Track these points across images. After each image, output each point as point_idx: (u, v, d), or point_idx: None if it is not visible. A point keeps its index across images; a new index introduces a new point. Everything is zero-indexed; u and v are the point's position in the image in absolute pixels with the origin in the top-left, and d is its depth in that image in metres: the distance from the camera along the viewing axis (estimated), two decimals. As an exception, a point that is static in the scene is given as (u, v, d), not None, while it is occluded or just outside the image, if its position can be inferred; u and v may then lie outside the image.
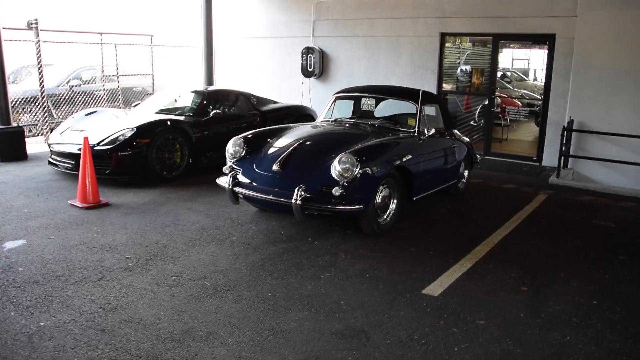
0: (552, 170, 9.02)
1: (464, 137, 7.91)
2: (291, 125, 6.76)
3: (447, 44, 10.78)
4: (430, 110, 7.04)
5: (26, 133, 10.43)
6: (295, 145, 5.72)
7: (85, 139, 6.51)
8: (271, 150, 5.80)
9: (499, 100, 11.74)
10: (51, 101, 10.88)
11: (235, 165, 5.81)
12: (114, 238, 5.37)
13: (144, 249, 5.08)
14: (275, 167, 5.46)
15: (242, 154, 5.86)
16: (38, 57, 9.76)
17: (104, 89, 11.73)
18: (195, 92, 9.02)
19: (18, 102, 10.45)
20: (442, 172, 6.80)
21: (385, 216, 5.69)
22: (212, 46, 12.16)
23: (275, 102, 10.37)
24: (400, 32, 10.88)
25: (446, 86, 11.39)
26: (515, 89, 14.84)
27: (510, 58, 17.81)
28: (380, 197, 5.51)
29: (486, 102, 10.35)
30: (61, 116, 10.48)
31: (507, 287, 4.52)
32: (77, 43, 10.95)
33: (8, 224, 5.72)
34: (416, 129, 6.30)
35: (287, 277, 4.52)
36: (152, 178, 7.52)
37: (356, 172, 5.06)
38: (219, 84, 13.82)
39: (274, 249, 5.19)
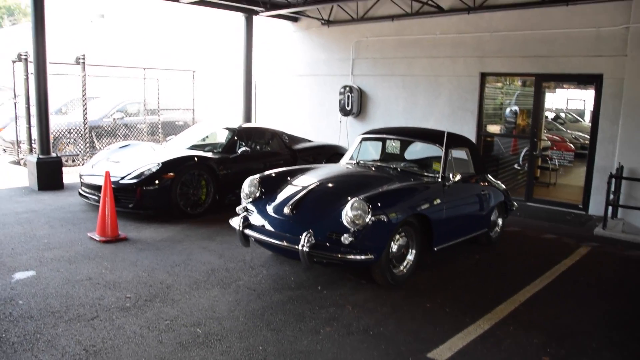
0: (598, 220, 8.39)
1: (499, 183, 7.48)
2: (312, 166, 6.59)
3: (497, 84, 10.41)
4: (459, 154, 6.70)
5: (69, 163, 10.81)
6: (310, 187, 5.51)
7: (107, 173, 6.56)
8: (286, 192, 5.61)
9: (548, 142, 11.22)
10: (95, 132, 11.20)
11: (249, 205, 5.67)
12: (121, 275, 5.29)
13: (146, 289, 4.96)
14: (286, 210, 5.26)
15: (257, 195, 5.71)
16: (83, 91, 10.11)
17: (145, 122, 11.99)
18: (226, 128, 9.03)
19: (63, 133, 10.81)
20: (469, 220, 6.40)
21: (401, 267, 5.35)
22: (251, 84, 12.32)
23: (308, 141, 10.26)
24: (439, 71, 10.63)
25: (493, 128, 10.98)
26: (569, 131, 14.21)
27: (564, 98, 17.20)
28: (396, 247, 5.19)
29: (530, 146, 9.84)
30: (102, 147, 10.74)
31: (525, 355, 4.08)
32: (121, 77, 11.29)
33: (25, 254, 5.78)
34: (440, 174, 5.97)
35: (284, 329, 4.26)
36: (176, 213, 7.50)
37: (367, 219, 4.79)
38: (255, 121, 13.97)
39: (279, 296, 4.95)
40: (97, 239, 6.38)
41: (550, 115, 14.59)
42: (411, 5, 10.47)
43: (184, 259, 5.86)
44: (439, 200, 5.70)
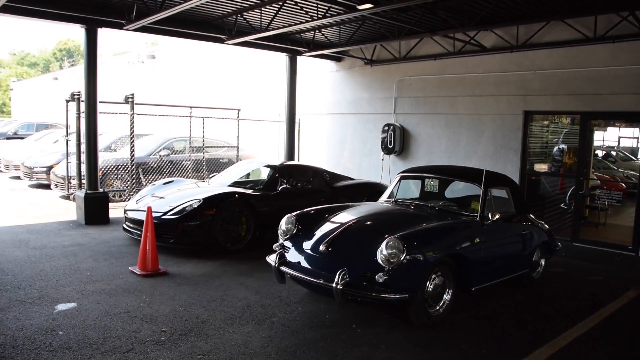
0: (650, 264, 7.99)
1: (542, 223, 7.27)
2: (350, 204, 6.58)
3: (544, 122, 10.23)
4: (499, 193, 6.58)
5: (116, 198, 11.19)
6: (346, 225, 5.51)
7: (149, 208, 6.75)
8: (322, 229, 5.61)
9: (598, 181, 10.84)
10: (141, 169, 11.59)
11: (286, 242, 5.70)
12: (158, 309, 5.37)
13: (182, 323, 5.01)
14: (322, 247, 5.26)
15: (294, 232, 5.74)
16: (131, 128, 10.54)
17: (189, 160, 12.34)
18: (267, 166, 9.19)
19: (111, 169, 11.24)
20: (509, 261, 6.22)
21: (437, 307, 5.21)
22: (295, 122, 12.53)
23: (350, 179, 10.30)
24: (482, 110, 10.54)
25: (539, 167, 10.72)
26: (620, 170, 13.70)
27: (616, 136, 16.69)
28: (432, 286, 5.08)
29: (576, 185, 9.54)
30: (148, 183, 11.09)
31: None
32: (168, 116, 11.71)
33: (68, 286, 5.96)
34: (479, 213, 5.85)
35: (315, 368, 4.20)
36: (215, 249, 7.60)
37: (402, 258, 4.73)
38: (298, 159, 14.12)
39: (312, 334, 4.90)
40: (138, 272, 6.53)
41: (601, 154, 14.15)
42: (454, 44, 10.51)
43: (221, 295, 5.90)
44: (476, 240, 5.58)
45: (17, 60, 63.80)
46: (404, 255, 4.73)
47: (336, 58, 13.08)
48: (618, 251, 8.91)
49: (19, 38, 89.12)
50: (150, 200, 8.17)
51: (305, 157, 14.45)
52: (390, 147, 11.97)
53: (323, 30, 10.54)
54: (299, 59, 12.41)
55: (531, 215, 7.16)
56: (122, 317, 5.11)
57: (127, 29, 9.03)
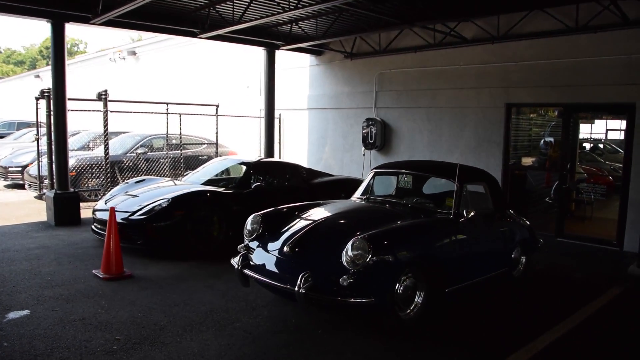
0: (633, 258, 7.76)
1: (523, 219, 7.05)
2: (321, 202, 6.31)
3: (531, 115, 9.99)
4: (476, 188, 6.34)
5: (92, 197, 10.88)
6: (313, 225, 5.25)
7: (111, 209, 6.47)
8: (289, 229, 5.35)
9: (585, 175, 10.63)
10: (117, 167, 11.28)
11: (251, 243, 5.44)
12: (116, 315, 5.11)
13: (139, 330, 4.75)
14: (286, 248, 5.00)
15: (259, 232, 5.48)
16: (105, 126, 10.20)
17: (167, 157, 12.03)
18: (242, 163, 8.91)
19: (85, 168, 10.93)
20: (486, 260, 5.98)
21: (408, 310, 4.95)
22: (273, 118, 12.27)
23: (328, 175, 10.05)
24: (463, 103, 10.31)
25: (526, 160, 10.50)
26: (607, 162, 13.51)
27: (603, 128, 16.50)
28: (402, 289, 4.83)
29: (559, 178, 9.35)
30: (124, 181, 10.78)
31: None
32: (144, 113, 11.40)
33: (24, 292, 5.69)
34: (453, 209, 5.60)
35: (272, 379, 3.95)
36: (187, 250, 7.32)
37: (368, 259, 4.48)
38: (281, 156, 13.86)
39: (275, 340, 4.65)
40: (101, 276, 6.26)
41: (588, 146, 13.96)
42: (434, 36, 10.26)
43: (185, 299, 5.64)
44: (450, 239, 5.36)
45: (2, 58, 63.03)
46: (370, 256, 4.48)
47: (316, 52, 12.80)
48: (603, 246, 8.72)
49: (5, 36, 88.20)
50: (120, 200, 7.88)
51: (288, 153, 14.19)
52: (371, 142, 11.72)
53: (300, 23, 10.26)
54: (279, 53, 12.12)
55: (511, 211, 6.95)
56: (76, 325, 4.84)
57: (93, 23, 8.71)
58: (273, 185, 8.78)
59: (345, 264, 4.55)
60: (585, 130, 12.72)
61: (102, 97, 10.08)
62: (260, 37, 10.86)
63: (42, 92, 9.74)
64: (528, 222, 7.07)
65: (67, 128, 8.98)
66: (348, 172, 12.12)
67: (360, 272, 4.48)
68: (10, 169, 13.12)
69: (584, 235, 9.17)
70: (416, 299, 5.03)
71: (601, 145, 15.05)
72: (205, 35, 9.70)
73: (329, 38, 10.80)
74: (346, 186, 9.54)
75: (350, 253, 4.54)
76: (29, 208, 10.58)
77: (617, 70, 8.32)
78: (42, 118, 10.28)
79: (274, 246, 5.18)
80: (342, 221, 5.49)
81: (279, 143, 14.06)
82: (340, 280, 4.45)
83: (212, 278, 6.40)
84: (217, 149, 12.75)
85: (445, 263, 5.20)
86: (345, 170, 12.38)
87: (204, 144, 13.24)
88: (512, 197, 9.88)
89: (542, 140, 10.56)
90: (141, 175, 10.71)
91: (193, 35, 9.90)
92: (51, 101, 9.31)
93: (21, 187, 13.02)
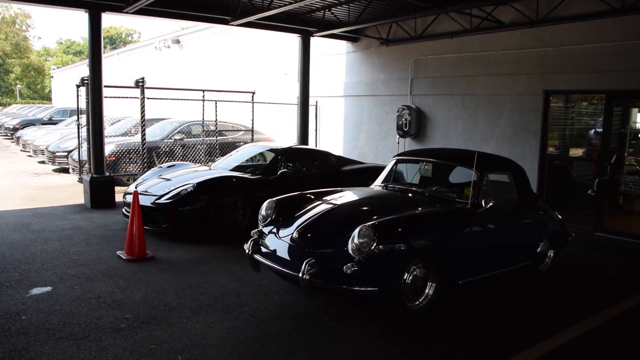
0: (678, 257, 7.34)
1: (553, 211, 6.76)
2: (338, 189, 6.25)
3: (583, 103, 9.51)
4: (500, 178, 6.11)
5: (131, 182, 11.21)
6: (324, 211, 5.22)
7: (135, 193, 6.64)
8: (300, 216, 5.33)
9: (637, 167, 10.04)
10: (155, 153, 11.57)
11: (264, 229, 5.46)
12: (130, 295, 5.25)
13: (148, 310, 4.86)
14: (295, 234, 4.99)
15: (273, 218, 5.49)
16: (142, 112, 10.47)
17: (203, 143, 12.24)
18: (270, 150, 8.95)
19: (123, 154, 11.27)
20: (506, 252, 5.77)
21: (417, 302, 4.84)
22: (308, 105, 12.23)
23: (359, 163, 9.96)
24: (500, 90, 9.95)
25: (575, 151, 10.01)
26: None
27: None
28: (411, 279, 4.72)
29: (599, 170, 8.89)
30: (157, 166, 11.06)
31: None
32: (178, 100, 11.62)
33: (51, 270, 5.93)
34: (470, 200, 5.42)
35: (267, 364, 3.96)
36: (210, 235, 7.44)
37: (373, 247, 4.40)
38: (318, 143, 13.83)
39: (279, 326, 4.66)
40: (124, 257, 6.45)
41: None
42: (470, 21, 9.93)
43: (200, 281, 5.74)
44: (466, 229, 5.19)
45: (63, 48, 65.77)
46: (376, 244, 4.40)
47: (352, 38, 12.65)
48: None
49: (66, 27, 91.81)
50: (150, 184, 8.07)
51: (324, 140, 14.15)
52: (405, 129, 11.52)
53: (333, 9, 10.14)
54: (316, 40, 12.06)
55: (541, 203, 6.68)
56: (91, 302, 5.01)
57: (126, 12, 8.91)
58: (300, 172, 8.78)
59: (350, 251, 4.49)
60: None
61: (140, 84, 10.33)
62: (293, 23, 10.83)
63: (83, 79, 10.08)
64: (559, 215, 6.78)
65: (102, 115, 9.28)
66: (383, 160, 11.94)
67: (365, 260, 4.41)
68: (57, 153, 13.71)
69: (625, 231, 8.70)
70: (427, 290, 4.91)
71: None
72: (237, 22, 9.75)
73: (361, 24, 10.64)
74: (375, 174, 9.28)
75: (356, 241, 4.48)
76: (70, 191, 11.02)
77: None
78: (83, 105, 10.64)
79: (284, 232, 5.18)
80: (353, 208, 5.42)
81: (315, 130, 14.03)
82: (345, 268, 4.40)
83: (231, 262, 6.47)
84: (252, 135, 12.86)
85: (459, 254, 5.06)
86: (380, 158, 12.23)
87: (241, 130, 13.38)
88: (549, 189, 9.49)
89: (593, 130, 10.06)
90: (177, 161, 10.94)
91: (225, 22, 9.98)
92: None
93: (67, 171, 13.59)
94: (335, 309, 5.07)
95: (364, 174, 9.30)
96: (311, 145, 13.33)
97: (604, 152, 8.82)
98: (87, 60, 9.43)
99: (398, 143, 11.87)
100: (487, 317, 5.10)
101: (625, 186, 9.39)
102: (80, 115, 11.29)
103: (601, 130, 9.28)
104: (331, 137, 13.94)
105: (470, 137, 10.51)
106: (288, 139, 14.01)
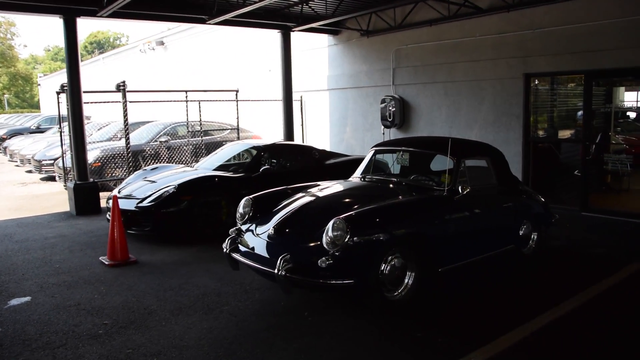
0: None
1: (535, 193, 6.75)
2: (316, 183, 6.22)
3: (570, 84, 9.47)
4: (479, 163, 6.09)
5: (116, 186, 11.16)
6: (300, 206, 5.19)
7: (114, 197, 6.61)
8: (277, 212, 5.32)
9: (624, 145, 10.04)
10: (140, 156, 11.52)
11: (242, 227, 5.43)
12: (110, 300, 5.22)
13: (128, 315, 4.84)
14: (270, 231, 4.97)
15: (250, 215, 5.47)
16: (125, 116, 10.40)
17: (188, 144, 12.19)
18: (253, 147, 8.92)
19: (108, 159, 11.21)
20: (487, 237, 5.76)
21: (396, 292, 4.83)
22: (291, 101, 12.19)
23: (342, 156, 9.94)
24: (481, 75, 9.92)
25: (562, 133, 9.97)
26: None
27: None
28: (388, 269, 4.71)
29: (582, 150, 8.88)
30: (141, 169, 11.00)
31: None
32: (161, 102, 11.56)
33: (31, 279, 5.90)
34: (446, 185, 5.40)
35: (243, 362, 3.94)
36: (195, 235, 7.41)
37: (347, 239, 4.38)
38: (302, 139, 13.79)
39: (258, 323, 4.64)
40: (107, 263, 6.41)
41: (633, 115, 13.19)
42: (448, 8, 9.88)
43: (182, 283, 5.71)
44: (443, 216, 5.17)
45: (50, 55, 65.45)
46: (349, 237, 4.38)
47: (333, 31, 12.60)
48: (632, 220, 8.23)
49: (53, 34, 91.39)
50: (134, 187, 8.03)
51: (311, 135, 14.11)
52: (390, 120, 11.48)
53: (310, 2, 10.09)
54: (298, 35, 12.01)
55: (522, 186, 6.67)
56: (70, 310, 4.98)
57: (101, 16, 8.85)
58: (283, 167, 8.75)
59: (325, 245, 4.47)
60: (631, 98, 11.99)
61: (121, 88, 10.26)
62: (272, 19, 10.77)
63: (62, 86, 10.01)
64: (542, 198, 6.77)
65: (83, 120, 9.23)
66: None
67: (339, 253, 4.39)
68: (43, 162, 13.66)
69: (611, 209, 8.70)
70: (406, 280, 4.90)
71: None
72: (214, 20, 9.67)
73: (339, 16, 10.59)
74: (358, 166, 9.41)
75: (330, 234, 4.46)
76: (56, 199, 10.97)
77: (642, 31, 7.77)
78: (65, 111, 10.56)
79: (262, 229, 5.16)
80: (329, 202, 5.40)
81: (302, 125, 13.99)
82: (319, 262, 4.38)
83: (213, 262, 6.44)
84: (238, 134, 12.80)
85: (437, 242, 5.04)
86: (366, 150, 12.08)
87: (227, 129, 13.32)
88: (536, 172, 9.48)
89: (581, 111, 10.02)
90: (163, 164, 10.89)
91: (202, 21, 9.90)
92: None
93: (54, 179, 13.53)
94: (315, 304, 5.05)
95: (348, 167, 9.20)
96: (298, 140, 13.30)
97: (586, 131, 8.81)
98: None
99: (383, 134, 11.84)
100: (469, 304, 5.09)
101: (612, 165, 9.39)
102: (62, 123, 11.22)
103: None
104: (318, 132, 13.90)
105: (455, 124, 10.49)
106: (275, 135, 13.96)
